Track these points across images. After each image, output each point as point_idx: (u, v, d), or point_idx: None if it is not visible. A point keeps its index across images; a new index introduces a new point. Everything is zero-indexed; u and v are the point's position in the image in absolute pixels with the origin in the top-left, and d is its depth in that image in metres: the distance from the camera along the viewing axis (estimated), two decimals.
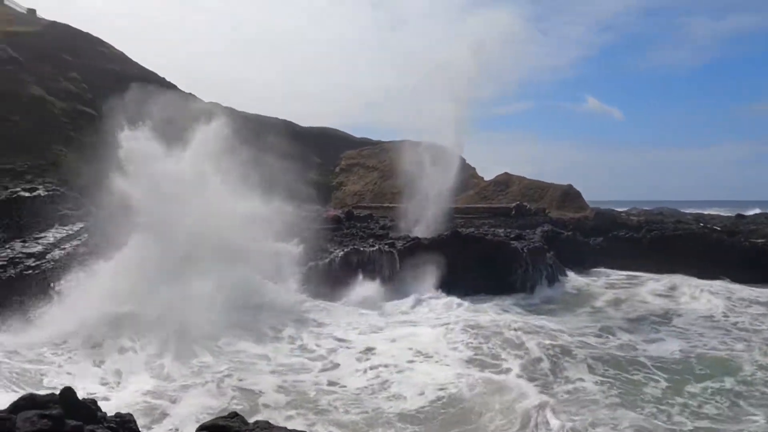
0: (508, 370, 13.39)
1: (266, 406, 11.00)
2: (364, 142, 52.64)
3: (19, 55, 27.30)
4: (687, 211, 59.90)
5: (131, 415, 5.02)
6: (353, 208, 36.01)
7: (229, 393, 11.48)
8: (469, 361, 14.14)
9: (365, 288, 21.43)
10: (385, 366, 13.58)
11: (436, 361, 14.24)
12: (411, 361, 14.12)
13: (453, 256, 23.51)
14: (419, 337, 16.34)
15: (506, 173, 45.19)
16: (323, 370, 13.58)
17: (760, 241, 30.25)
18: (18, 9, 37.76)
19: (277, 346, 15.33)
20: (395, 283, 22.47)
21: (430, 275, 22.58)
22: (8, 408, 4.48)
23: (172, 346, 13.72)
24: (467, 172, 45.26)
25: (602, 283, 27.01)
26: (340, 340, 16.06)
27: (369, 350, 14.93)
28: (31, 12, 37.72)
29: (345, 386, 12.38)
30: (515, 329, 16.42)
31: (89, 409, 4.66)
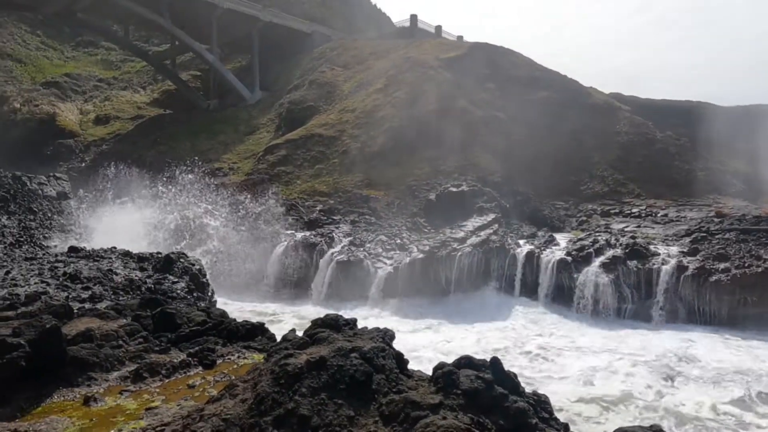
0: None
1: None
2: None
3: (451, 75, 33.33)
4: None
5: (547, 396, 5.32)
6: None
7: None
8: None
9: None
10: None
11: None
12: None
13: None
14: None
15: None
16: None
17: None
18: (450, 38, 46.45)
19: None
20: None
21: None
22: (453, 363, 5.49)
23: None
24: None
25: None
26: None
27: None
28: (460, 38, 45.64)
29: None
30: None
31: (513, 381, 5.21)
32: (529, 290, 20.12)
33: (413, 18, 49.10)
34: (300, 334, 6.40)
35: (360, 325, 6.75)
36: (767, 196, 29.41)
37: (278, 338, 6.99)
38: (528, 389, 5.43)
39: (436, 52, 36.72)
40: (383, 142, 29.56)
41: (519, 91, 33.22)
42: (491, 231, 21.69)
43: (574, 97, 33.76)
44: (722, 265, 18.66)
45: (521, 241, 21.57)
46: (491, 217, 22.62)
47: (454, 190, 24.26)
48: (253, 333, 8.30)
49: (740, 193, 28.91)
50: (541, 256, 20.28)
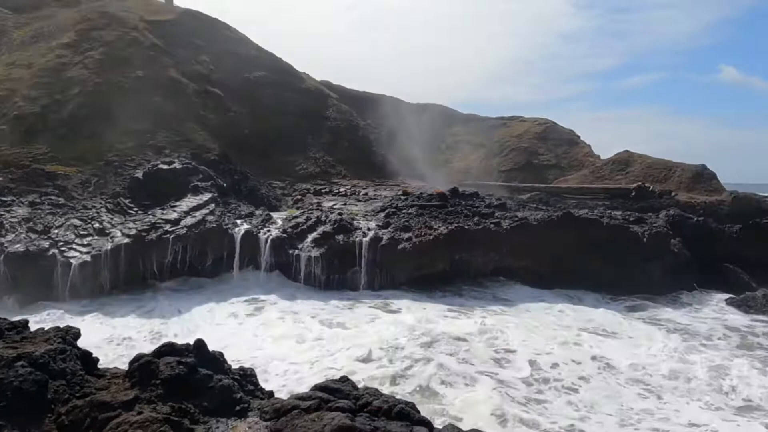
0: None
1: None
2: (471, 119, 51.61)
3: (161, 42, 30.31)
4: None
5: (253, 369, 5.46)
6: (459, 186, 35.41)
7: None
8: None
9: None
10: None
11: None
12: None
13: (564, 239, 22.39)
14: None
15: (627, 151, 41.50)
16: None
17: None
18: None
19: None
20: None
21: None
22: (153, 352, 5.08)
23: None
24: (582, 151, 42.42)
25: None
26: None
27: None
28: (169, 1, 41.54)
29: None
30: None
31: (217, 361, 5.14)
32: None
33: None
34: None
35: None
36: (439, 177, 36.65)
37: None
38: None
39: (142, 12, 32.75)
40: (74, 109, 24.97)
41: (236, 67, 32.63)
42: (207, 211, 20.88)
43: (289, 81, 35.08)
44: (406, 235, 22.46)
45: (239, 221, 21.45)
46: (207, 196, 21.74)
47: (165, 167, 22.35)
48: None
49: (419, 176, 35.24)
50: (259, 234, 20.63)
